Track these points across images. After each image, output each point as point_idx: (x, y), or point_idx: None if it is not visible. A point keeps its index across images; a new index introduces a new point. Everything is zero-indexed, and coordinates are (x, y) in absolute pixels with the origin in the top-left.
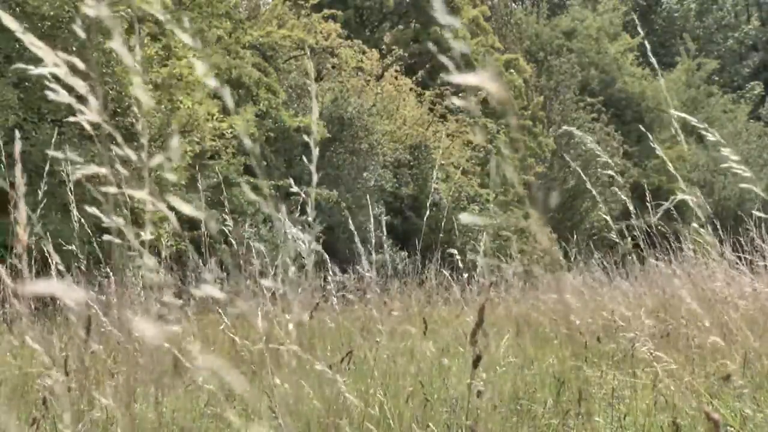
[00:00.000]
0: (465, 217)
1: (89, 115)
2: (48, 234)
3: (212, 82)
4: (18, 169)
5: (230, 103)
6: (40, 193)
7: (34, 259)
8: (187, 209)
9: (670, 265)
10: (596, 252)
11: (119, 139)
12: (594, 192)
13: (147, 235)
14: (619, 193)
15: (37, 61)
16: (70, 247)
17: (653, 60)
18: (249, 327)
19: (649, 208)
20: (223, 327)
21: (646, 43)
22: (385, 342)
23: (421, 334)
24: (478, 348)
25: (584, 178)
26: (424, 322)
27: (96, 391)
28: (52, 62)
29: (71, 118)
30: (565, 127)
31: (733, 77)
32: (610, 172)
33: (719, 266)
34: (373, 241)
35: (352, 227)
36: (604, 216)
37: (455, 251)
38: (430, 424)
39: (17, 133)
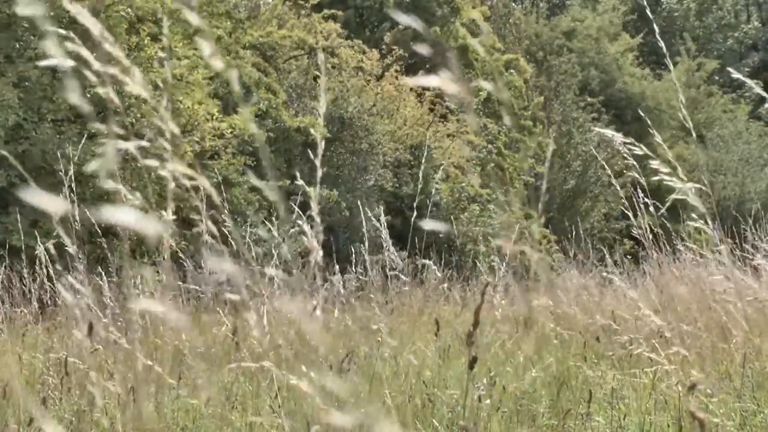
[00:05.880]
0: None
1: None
2: (47, 234)
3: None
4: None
5: (235, 86)
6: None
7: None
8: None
9: (670, 265)
10: (595, 251)
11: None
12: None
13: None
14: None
15: (38, 60)
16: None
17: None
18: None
19: (645, 207)
20: (224, 329)
21: (657, 35)
22: (387, 341)
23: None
24: (475, 349)
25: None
26: (437, 323)
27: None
28: (99, 33)
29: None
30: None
31: (733, 77)
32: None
33: (718, 266)
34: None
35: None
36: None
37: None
38: (433, 421)
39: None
